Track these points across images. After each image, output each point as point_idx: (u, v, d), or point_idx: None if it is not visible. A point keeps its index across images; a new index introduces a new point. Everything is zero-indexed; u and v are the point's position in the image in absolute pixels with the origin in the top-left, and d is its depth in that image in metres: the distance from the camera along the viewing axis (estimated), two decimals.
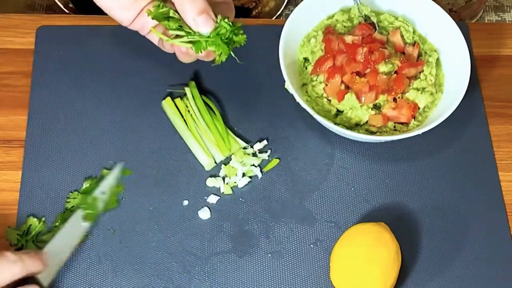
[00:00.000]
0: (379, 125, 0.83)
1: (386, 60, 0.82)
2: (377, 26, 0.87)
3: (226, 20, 0.70)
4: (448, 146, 0.87)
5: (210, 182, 0.82)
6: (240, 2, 1.02)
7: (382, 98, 0.83)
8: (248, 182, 0.82)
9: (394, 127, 0.84)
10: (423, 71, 0.85)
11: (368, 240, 0.74)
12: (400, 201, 0.83)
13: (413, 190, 0.84)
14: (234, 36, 0.71)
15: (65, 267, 0.76)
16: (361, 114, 0.82)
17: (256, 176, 0.83)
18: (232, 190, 0.82)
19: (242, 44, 0.72)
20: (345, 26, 0.88)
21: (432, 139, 0.86)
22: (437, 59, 0.87)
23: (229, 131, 0.85)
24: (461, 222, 0.82)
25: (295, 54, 0.87)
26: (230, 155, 0.83)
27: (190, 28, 0.71)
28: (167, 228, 0.79)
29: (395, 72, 0.83)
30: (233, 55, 0.72)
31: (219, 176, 0.82)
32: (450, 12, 0.99)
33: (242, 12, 1.03)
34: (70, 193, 0.80)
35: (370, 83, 0.82)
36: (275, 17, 1.03)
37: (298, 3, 0.87)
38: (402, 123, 0.84)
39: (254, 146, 0.85)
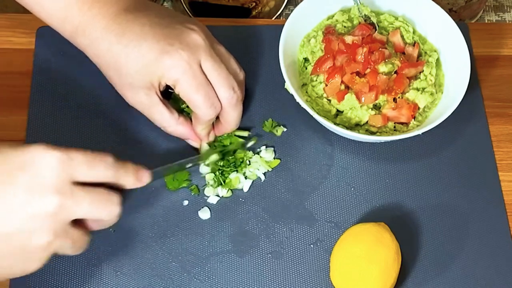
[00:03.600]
0: (379, 125, 0.83)
1: (386, 60, 0.83)
2: (377, 26, 0.87)
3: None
4: (448, 146, 0.87)
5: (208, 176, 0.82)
6: (240, 2, 1.02)
7: (382, 98, 0.83)
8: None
9: (394, 127, 0.84)
10: (423, 71, 0.85)
11: (368, 240, 0.74)
12: (400, 201, 0.83)
13: (413, 190, 0.84)
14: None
15: (65, 267, 0.76)
16: (361, 114, 0.82)
17: (258, 177, 0.83)
18: (232, 191, 0.82)
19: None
20: (345, 26, 0.88)
21: (432, 139, 0.86)
22: (437, 59, 0.87)
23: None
24: (461, 222, 0.82)
25: (295, 54, 0.87)
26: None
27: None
28: (167, 228, 0.79)
29: (395, 72, 0.83)
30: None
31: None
32: (450, 12, 0.99)
33: (242, 12, 1.03)
34: None
35: (370, 83, 0.82)
36: (275, 17, 1.03)
37: (298, 3, 0.87)
38: (402, 123, 0.84)
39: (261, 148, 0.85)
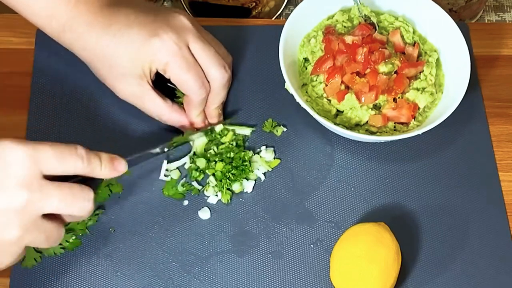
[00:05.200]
0: (379, 125, 0.83)
1: (386, 60, 0.82)
2: (377, 26, 0.87)
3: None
4: (448, 146, 0.87)
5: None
6: (240, 2, 1.02)
7: (382, 98, 0.83)
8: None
9: (394, 127, 0.84)
10: (423, 71, 0.85)
11: (368, 240, 0.74)
12: (400, 201, 0.83)
13: (413, 190, 0.84)
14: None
15: (65, 267, 0.76)
16: (361, 114, 0.82)
17: (258, 177, 0.83)
18: (232, 192, 0.82)
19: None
20: (345, 26, 0.88)
21: (432, 139, 0.86)
22: (437, 59, 0.87)
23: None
24: (461, 222, 0.82)
25: (295, 54, 0.87)
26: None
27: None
28: (167, 228, 0.79)
29: (395, 72, 0.83)
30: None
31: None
32: (450, 12, 0.99)
33: (242, 12, 1.03)
34: None
35: (370, 83, 0.82)
36: (275, 17, 1.03)
37: (298, 3, 0.87)
38: (402, 123, 0.84)
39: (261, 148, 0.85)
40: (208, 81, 0.80)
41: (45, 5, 0.77)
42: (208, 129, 0.84)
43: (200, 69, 0.79)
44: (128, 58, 0.77)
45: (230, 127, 0.85)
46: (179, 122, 0.83)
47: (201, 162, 0.82)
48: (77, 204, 0.64)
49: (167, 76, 0.79)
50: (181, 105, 0.84)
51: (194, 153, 0.83)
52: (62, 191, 0.63)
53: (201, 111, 0.83)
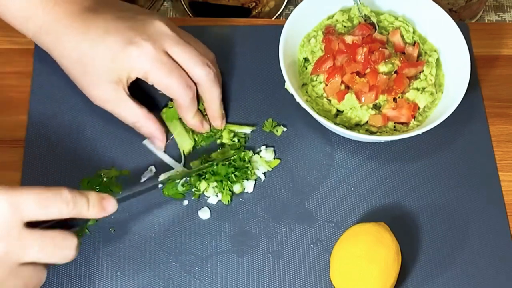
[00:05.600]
0: (379, 125, 0.83)
1: (386, 60, 0.82)
2: (377, 26, 0.87)
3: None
4: (448, 146, 0.87)
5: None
6: (240, 2, 1.02)
7: (382, 98, 0.83)
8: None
9: (394, 127, 0.84)
10: (423, 71, 0.85)
11: (368, 240, 0.74)
12: (400, 201, 0.83)
13: (413, 190, 0.84)
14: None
15: (65, 267, 0.76)
16: (361, 114, 0.82)
17: (258, 177, 0.83)
18: (232, 193, 0.82)
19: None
20: (345, 26, 0.88)
21: (432, 139, 0.86)
22: (437, 59, 0.87)
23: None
24: (461, 222, 0.82)
25: (295, 54, 0.87)
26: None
27: None
28: (167, 228, 0.79)
29: (395, 72, 0.83)
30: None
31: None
32: (450, 12, 0.99)
33: (242, 12, 1.03)
34: None
35: (370, 83, 0.82)
36: (275, 17, 1.03)
37: (298, 3, 0.87)
38: (402, 123, 0.84)
39: (261, 148, 0.85)
40: (194, 82, 0.80)
41: (22, 6, 0.77)
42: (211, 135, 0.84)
43: (182, 71, 0.78)
44: (104, 65, 0.76)
45: (230, 127, 0.85)
46: (152, 131, 0.81)
47: (200, 183, 0.81)
48: (58, 254, 0.62)
49: (149, 82, 0.78)
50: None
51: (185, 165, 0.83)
52: (43, 241, 0.61)
53: (195, 113, 0.82)
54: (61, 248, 0.62)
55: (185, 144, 0.83)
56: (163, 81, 0.78)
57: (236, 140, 0.84)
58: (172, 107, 0.84)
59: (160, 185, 0.80)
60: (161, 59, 0.77)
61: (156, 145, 0.83)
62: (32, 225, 0.61)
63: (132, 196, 0.75)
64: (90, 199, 0.64)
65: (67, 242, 0.62)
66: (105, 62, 0.76)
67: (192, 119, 0.82)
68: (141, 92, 0.84)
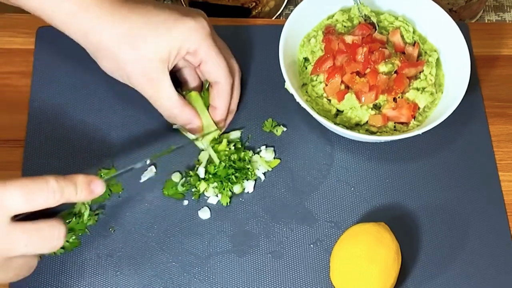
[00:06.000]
0: (379, 125, 0.83)
1: (386, 60, 0.82)
2: (377, 26, 0.87)
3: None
4: (448, 146, 0.87)
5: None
6: (240, 2, 1.02)
7: (382, 98, 0.83)
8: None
9: (394, 127, 0.84)
10: (423, 71, 0.85)
11: (368, 240, 0.74)
12: (400, 201, 0.83)
13: (413, 190, 0.84)
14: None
15: (65, 267, 0.76)
16: (361, 114, 0.82)
17: (258, 177, 0.83)
18: (232, 192, 0.82)
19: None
20: (345, 26, 0.88)
21: (432, 139, 0.86)
22: (437, 59, 0.87)
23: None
24: (461, 222, 0.82)
25: (295, 54, 0.87)
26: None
27: None
28: (167, 228, 0.79)
29: (395, 72, 0.83)
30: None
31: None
32: (450, 12, 0.99)
33: (242, 12, 1.03)
34: None
35: (370, 83, 0.82)
36: (275, 17, 1.03)
37: (298, 3, 0.87)
38: (402, 123, 0.84)
39: (261, 148, 0.85)
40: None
41: None
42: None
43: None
44: (158, 36, 0.73)
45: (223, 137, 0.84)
46: (190, 120, 0.80)
47: (199, 183, 0.81)
48: (46, 246, 0.62)
49: (195, 60, 0.76)
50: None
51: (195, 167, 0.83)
52: (30, 235, 0.61)
53: (229, 103, 0.81)
54: (49, 239, 0.62)
55: (211, 135, 0.83)
56: (214, 58, 0.75)
57: (233, 147, 0.83)
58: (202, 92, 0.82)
59: (148, 161, 0.76)
60: (213, 37, 0.76)
61: (194, 131, 0.81)
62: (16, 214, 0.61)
63: (121, 175, 0.74)
64: (77, 183, 0.64)
65: (54, 232, 0.62)
66: (157, 36, 0.73)
67: (221, 102, 0.79)
68: None
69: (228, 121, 0.85)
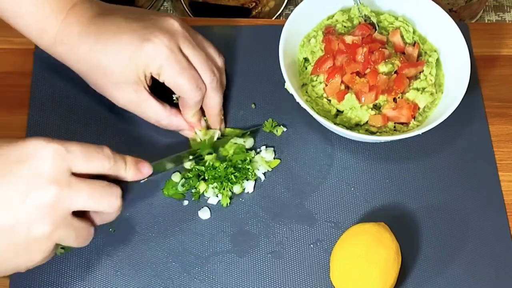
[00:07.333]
0: (379, 125, 0.83)
1: (386, 60, 0.83)
2: (377, 26, 0.87)
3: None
4: (448, 146, 0.87)
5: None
6: (240, 2, 1.02)
7: (382, 98, 0.83)
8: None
9: (394, 127, 0.84)
10: (423, 71, 0.85)
11: (368, 240, 0.74)
12: (400, 201, 0.83)
13: (413, 190, 0.84)
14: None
15: (65, 267, 0.76)
16: (361, 114, 0.82)
17: (258, 177, 0.83)
18: (232, 193, 0.82)
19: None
20: (345, 26, 0.88)
21: (432, 139, 0.86)
22: (437, 59, 0.87)
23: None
24: (461, 222, 0.82)
25: (295, 54, 0.87)
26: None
27: None
28: (167, 228, 0.79)
29: (395, 72, 0.83)
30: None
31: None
32: (450, 12, 0.99)
33: (242, 12, 1.03)
34: None
35: (370, 83, 0.82)
36: (275, 17, 1.03)
37: (298, 3, 0.87)
38: (402, 123, 0.84)
39: (261, 148, 0.85)
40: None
41: (37, 18, 0.77)
42: (211, 138, 0.84)
43: (194, 71, 0.78)
44: (121, 66, 0.76)
45: (230, 137, 0.84)
46: (178, 126, 0.83)
47: (199, 184, 0.81)
48: (106, 200, 0.64)
49: (161, 80, 0.78)
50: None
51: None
52: (91, 187, 0.63)
53: (196, 112, 0.82)
54: (107, 195, 0.64)
55: (209, 136, 0.84)
56: (175, 79, 0.77)
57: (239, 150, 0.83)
58: None
59: (189, 157, 0.80)
60: (176, 56, 0.77)
61: (186, 135, 0.84)
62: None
63: (164, 164, 0.77)
64: (127, 161, 0.68)
65: (113, 190, 0.65)
66: (122, 63, 0.76)
67: (191, 117, 0.82)
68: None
69: (218, 124, 0.85)
